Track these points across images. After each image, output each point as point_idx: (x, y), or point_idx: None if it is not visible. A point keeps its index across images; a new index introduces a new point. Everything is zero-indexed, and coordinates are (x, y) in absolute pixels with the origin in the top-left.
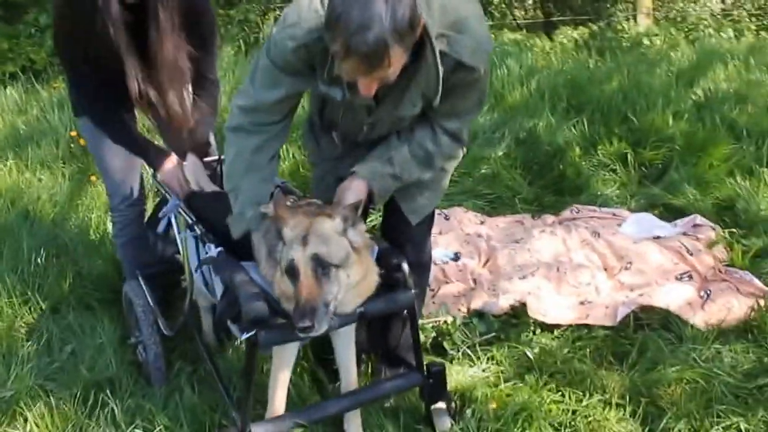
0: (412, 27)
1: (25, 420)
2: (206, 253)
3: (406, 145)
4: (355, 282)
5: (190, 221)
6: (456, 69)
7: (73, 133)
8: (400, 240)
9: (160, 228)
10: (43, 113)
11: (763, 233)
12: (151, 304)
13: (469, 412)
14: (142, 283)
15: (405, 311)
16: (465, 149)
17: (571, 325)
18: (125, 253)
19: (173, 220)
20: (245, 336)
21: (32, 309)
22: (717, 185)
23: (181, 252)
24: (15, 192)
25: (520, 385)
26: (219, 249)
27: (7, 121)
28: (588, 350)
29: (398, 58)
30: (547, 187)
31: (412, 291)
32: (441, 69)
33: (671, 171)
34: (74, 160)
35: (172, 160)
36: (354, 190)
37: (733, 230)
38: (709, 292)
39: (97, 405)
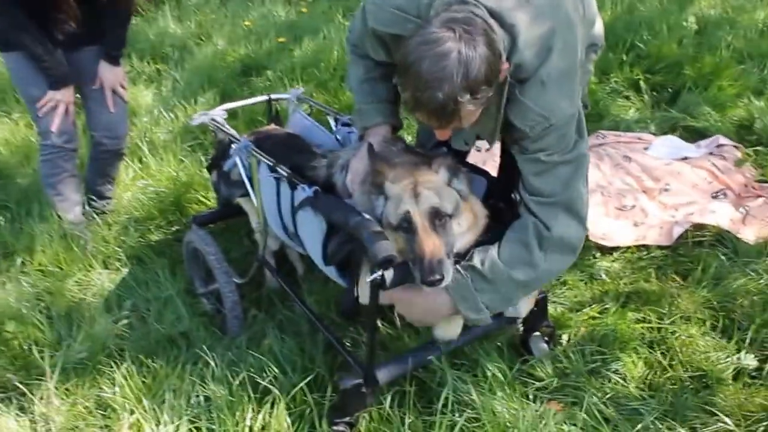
0: (488, 82)
1: (112, 380)
2: (291, 195)
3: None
4: (465, 229)
5: (270, 163)
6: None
7: None
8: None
9: (226, 167)
10: None
11: None
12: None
13: (565, 337)
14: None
15: None
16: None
17: (629, 247)
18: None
19: (240, 162)
20: (372, 277)
21: (84, 266)
22: (731, 106)
23: (255, 195)
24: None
25: (599, 308)
26: (315, 188)
27: None
28: (651, 270)
29: (471, 111)
30: None
31: None
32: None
33: (684, 95)
34: None
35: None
36: None
37: (758, 148)
38: (747, 208)
39: (179, 359)
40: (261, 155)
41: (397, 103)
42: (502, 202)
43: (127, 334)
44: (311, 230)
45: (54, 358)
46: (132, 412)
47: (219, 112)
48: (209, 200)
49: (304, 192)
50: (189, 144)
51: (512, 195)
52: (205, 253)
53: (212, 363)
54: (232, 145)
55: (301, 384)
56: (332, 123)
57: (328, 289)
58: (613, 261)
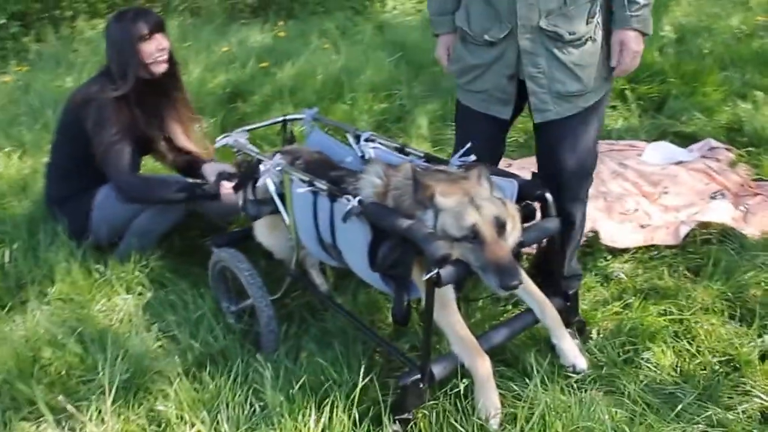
0: None
1: (164, 396)
2: (330, 207)
3: None
4: (511, 230)
5: (305, 178)
6: None
7: None
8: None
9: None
10: None
11: None
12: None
13: (594, 332)
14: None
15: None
16: None
17: (639, 248)
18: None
19: (270, 180)
20: (427, 276)
21: (106, 292)
22: (718, 110)
23: (287, 211)
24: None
25: (621, 304)
26: (359, 198)
27: None
28: (663, 268)
29: None
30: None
31: (557, 219)
32: None
33: (670, 101)
34: None
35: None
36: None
37: (750, 149)
38: (747, 206)
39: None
40: (297, 172)
41: None
42: (537, 201)
43: (164, 355)
44: (354, 240)
45: (98, 379)
46: (192, 425)
47: (241, 134)
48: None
49: (348, 203)
50: None
51: (546, 195)
52: (238, 271)
53: (267, 372)
54: (261, 165)
55: (361, 383)
56: (351, 139)
57: (357, 301)
58: (625, 262)
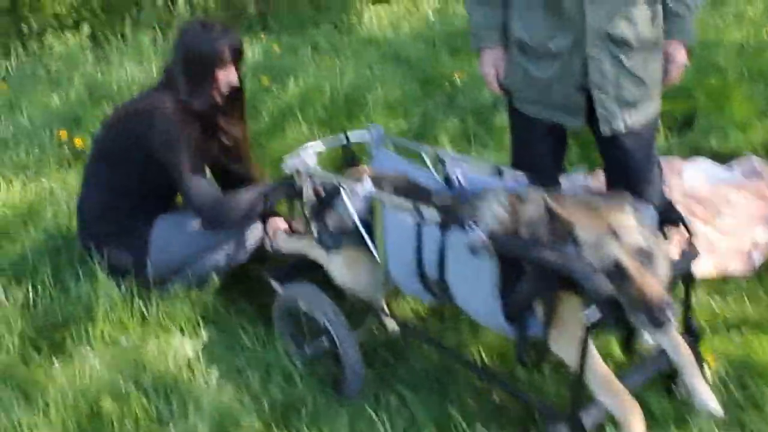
0: None
1: None
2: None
3: None
4: (660, 260)
5: (409, 205)
6: None
7: None
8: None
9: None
10: None
11: None
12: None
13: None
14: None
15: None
16: None
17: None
18: None
19: (352, 208)
20: (587, 316)
21: (155, 332)
22: (750, 126)
23: (376, 242)
24: None
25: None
26: (483, 226)
27: None
28: (745, 296)
29: None
30: (584, 147)
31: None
32: None
33: (699, 118)
34: None
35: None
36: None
37: None
38: None
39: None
40: (397, 198)
41: None
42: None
43: (237, 405)
44: (473, 275)
45: None
46: None
47: (309, 155)
48: None
49: (473, 234)
50: None
51: (685, 219)
52: (318, 309)
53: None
54: (343, 190)
55: None
56: (426, 160)
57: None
58: (707, 294)
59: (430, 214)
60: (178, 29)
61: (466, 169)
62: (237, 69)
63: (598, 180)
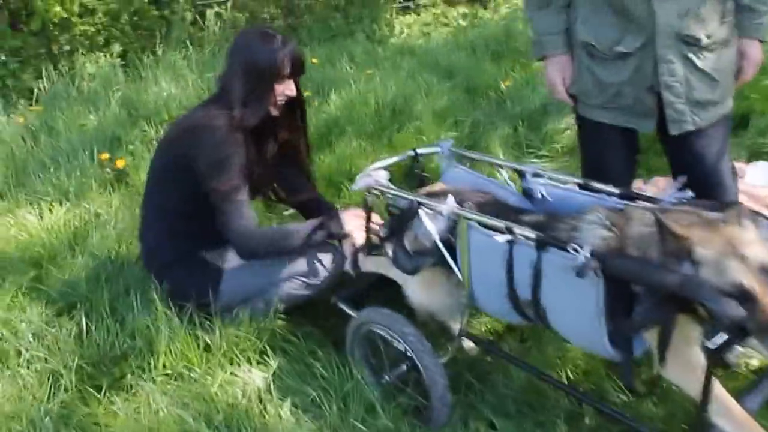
0: None
1: None
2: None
3: None
4: None
5: (501, 225)
6: None
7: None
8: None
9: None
10: None
11: None
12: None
13: None
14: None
15: None
16: None
17: None
18: None
19: (433, 227)
20: (715, 343)
21: (221, 364)
22: None
23: (460, 263)
24: None
25: None
26: (588, 247)
27: None
28: None
29: None
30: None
31: None
32: None
33: (754, 119)
34: None
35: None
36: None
37: None
38: None
39: None
40: (486, 218)
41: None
42: None
43: None
44: (576, 298)
45: None
46: None
47: (383, 174)
48: None
49: (578, 255)
50: None
51: None
52: (400, 335)
53: None
54: (423, 210)
55: None
56: (502, 175)
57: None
58: None
59: (525, 233)
60: (235, 37)
61: (549, 184)
62: (296, 82)
63: (656, 187)
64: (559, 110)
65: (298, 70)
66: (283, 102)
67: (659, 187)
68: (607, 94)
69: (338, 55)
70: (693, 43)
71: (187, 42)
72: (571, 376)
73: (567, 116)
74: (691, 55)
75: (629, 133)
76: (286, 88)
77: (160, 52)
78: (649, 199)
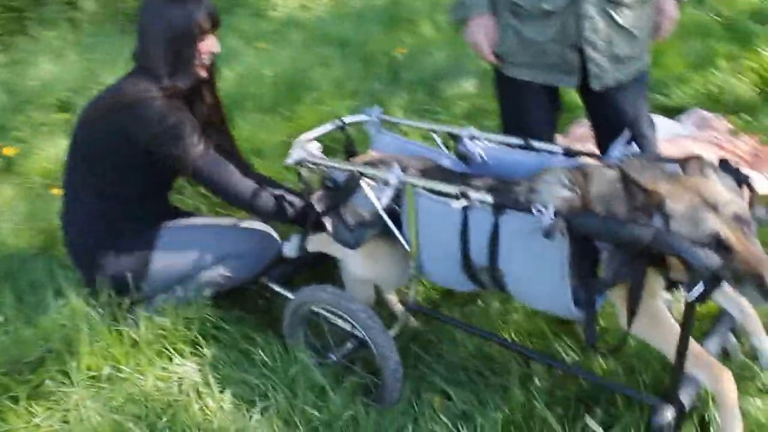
0: None
1: None
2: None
3: None
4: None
5: (454, 191)
6: None
7: None
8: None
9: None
10: None
11: None
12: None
13: None
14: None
15: None
16: None
17: None
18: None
19: (375, 197)
20: (693, 293)
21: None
22: (689, 80)
23: (408, 232)
24: None
25: None
26: (553, 209)
27: None
28: None
29: None
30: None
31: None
32: None
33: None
34: None
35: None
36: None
37: (743, 114)
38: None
39: None
40: (438, 184)
41: None
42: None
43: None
44: (539, 259)
45: None
46: None
47: (315, 146)
48: None
49: (542, 216)
50: None
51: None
52: (347, 312)
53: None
54: (367, 179)
55: None
56: (437, 140)
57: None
58: None
59: (481, 198)
60: (142, 8)
61: (486, 145)
62: (217, 39)
63: (574, 137)
64: (455, 75)
65: (216, 22)
66: (209, 61)
67: (576, 137)
68: (531, 52)
69: (222, 29)
70: (616, 1)
71: (63, 22)
72: (516, 339)
73: (465, 81)
74: (612, 12)
75: (551, 90)
76: (210, 44)
77: (36, 34)
78: (593, 155)
